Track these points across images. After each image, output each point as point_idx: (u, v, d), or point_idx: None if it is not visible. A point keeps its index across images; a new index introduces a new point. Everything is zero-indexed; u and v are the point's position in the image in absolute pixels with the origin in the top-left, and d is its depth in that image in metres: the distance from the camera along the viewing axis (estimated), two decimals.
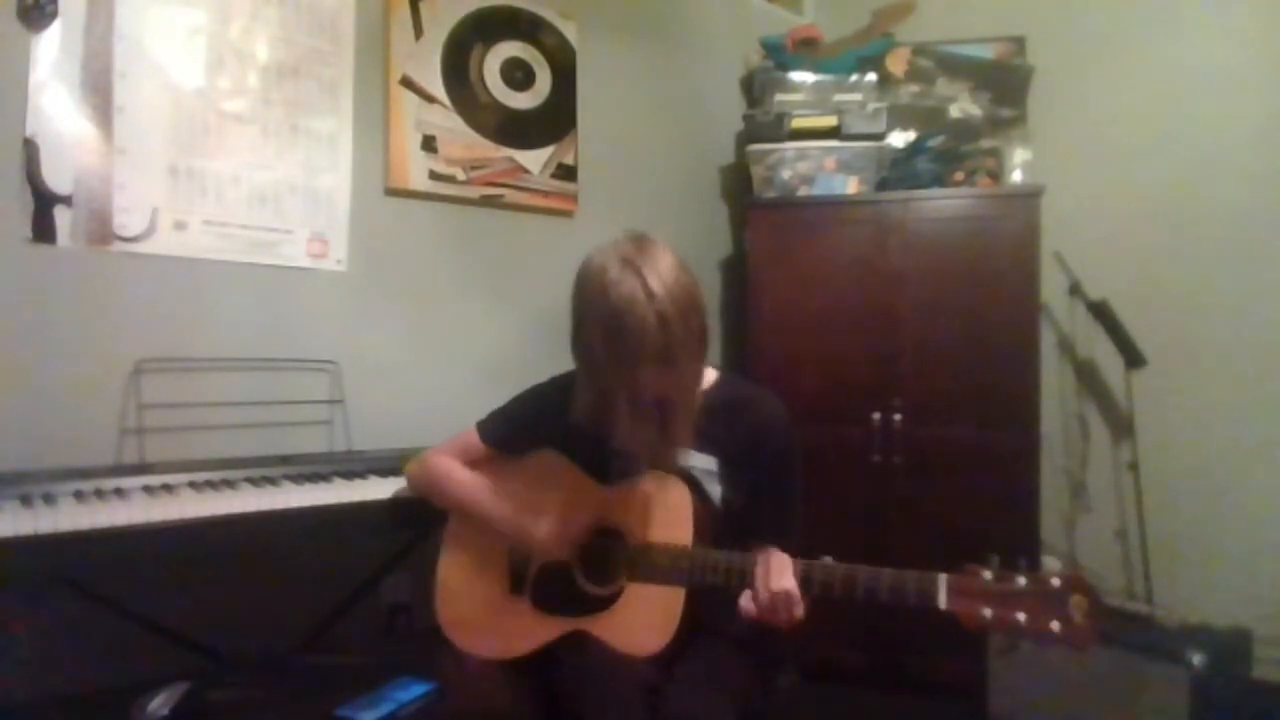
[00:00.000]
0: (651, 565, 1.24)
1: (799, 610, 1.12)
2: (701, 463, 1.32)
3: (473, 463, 1.44)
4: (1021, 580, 1.03)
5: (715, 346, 2.88)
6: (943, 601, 1.05)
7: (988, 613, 1.03)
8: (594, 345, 1.18)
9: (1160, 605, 2.19)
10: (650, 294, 1.12)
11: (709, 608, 1.24)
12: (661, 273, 1.15)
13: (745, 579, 1.18)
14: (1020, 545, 2.25)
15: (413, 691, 1.59)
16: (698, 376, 1.28)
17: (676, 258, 1.21)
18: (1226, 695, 1.80)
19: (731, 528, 1.31)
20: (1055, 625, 0.99)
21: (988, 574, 1.04)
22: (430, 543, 1.48)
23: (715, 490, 1.31)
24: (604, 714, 1.13)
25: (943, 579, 1.06)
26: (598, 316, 1.16)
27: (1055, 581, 1.01)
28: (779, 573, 1.13)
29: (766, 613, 1.13)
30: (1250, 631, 1.96)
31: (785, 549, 1.32)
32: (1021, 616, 1.01)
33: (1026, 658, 1.97)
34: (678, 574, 1.21)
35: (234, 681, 1.63)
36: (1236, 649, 1.90)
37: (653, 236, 1.23)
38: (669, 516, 1.25)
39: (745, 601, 1.16)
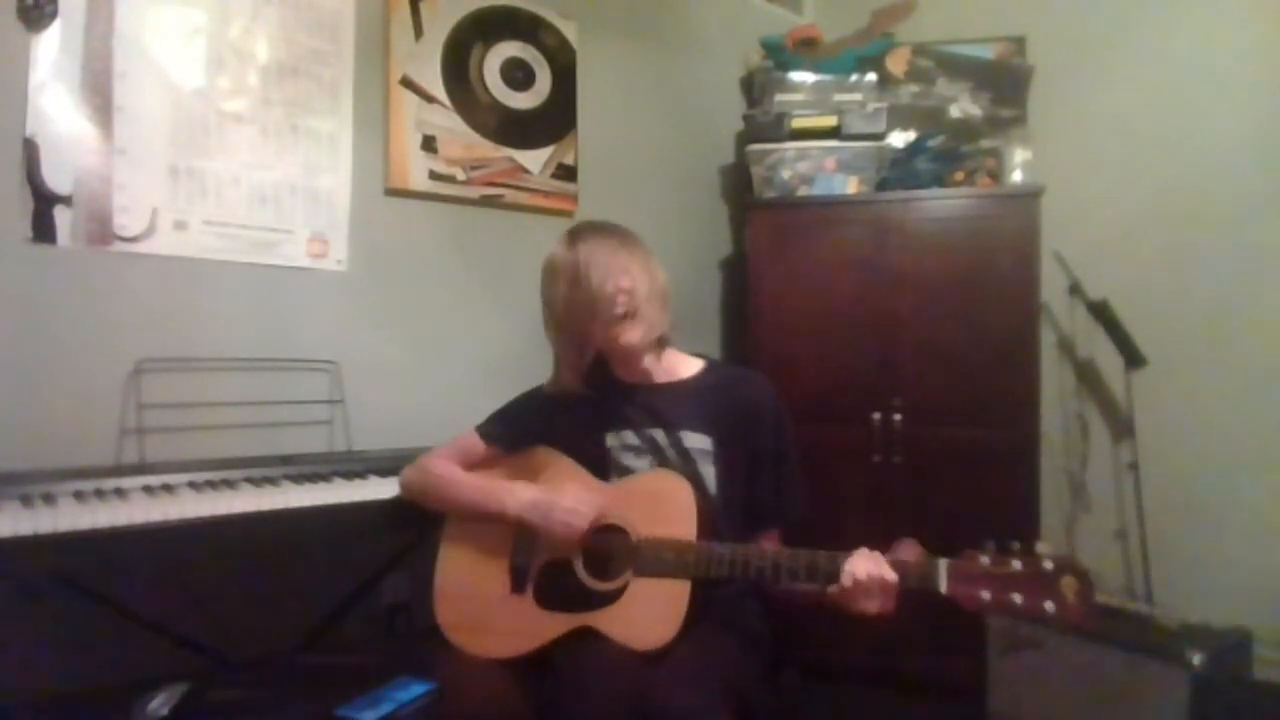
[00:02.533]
0: (656, 560, 1.24)
1: (892, 601, 1.12)
2: (697, 443, 1.35)
3: (471, 465, 1.45)
4: (1016, 563, 1.07)
5: (714, 346, 2.90)
6: (943, 586, 1.09)
7: (986, 595, 1.07)
8: (541, 293, 1.39)
9: (1160, 605, 2.19)
10: (576, 241, 1.34)
11: (712, 601, 1.25)
12: (593, 231, 1.35)
13: (749, 569, 1.20)
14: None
15: (413, 691, 1.59)
16: (601, 305, 1.32)
17: (629, 235, 1.39)
18: (1226, 695, 1.80)
19: (729, 512, 1.33)
20: (1049, 605, 1.04)
21: (984, 558, 1.09)
22: (430, 543, 1.48)
23: (710, 471, 1.34)
24: (589, 712, 1.12)
25: (943, 564, 1.10)
26: (543, 272, 1.38)
27: (1048, 564, 1.06)
28: (877, 560, 1.13)
29: (859, 597, 1.12)
30: (1250, 631, 1.96)
31: (788, 524, 1.39)
32: (1017, 598, 1.06)
33: (1027, 658, 1.97)
34: (683, 567, 1.22)
35: (234, 681, 1.63)
36: (1236, 649, 1.90)
37: (620, 226, 1.41)
38: (672, 511, 1.26)
39: (837, 587, 1.15)
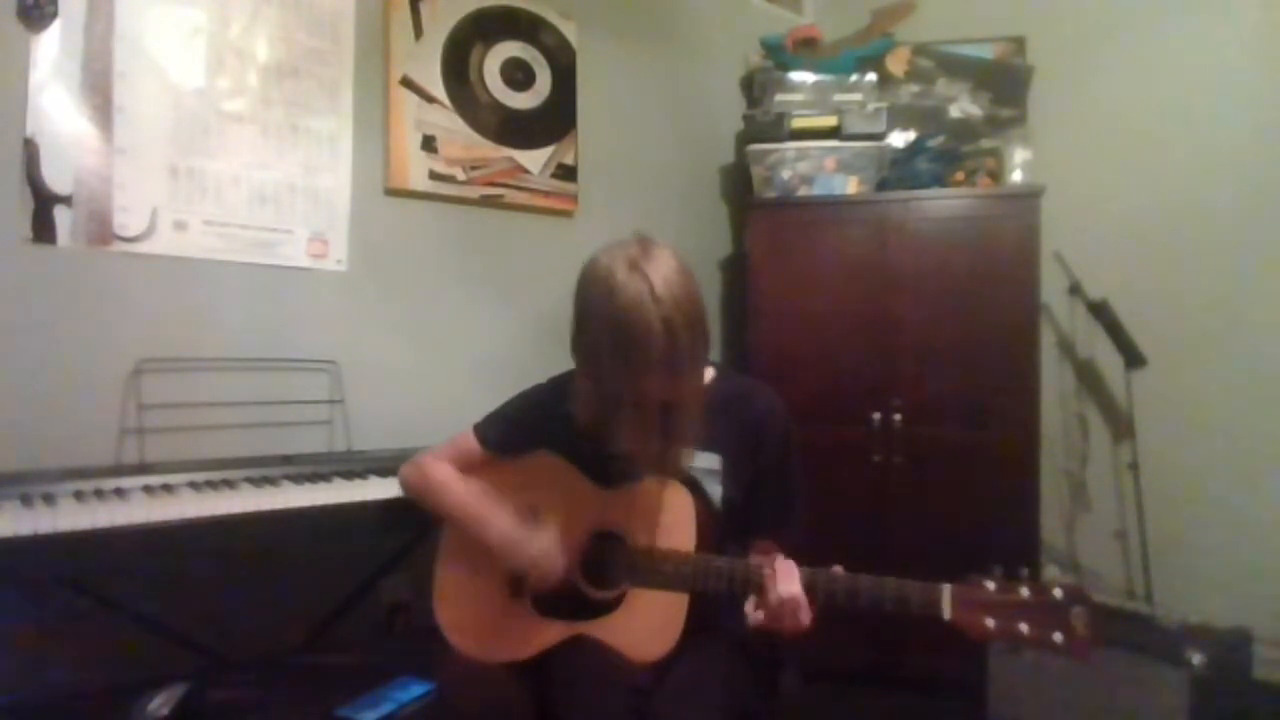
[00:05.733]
0: (654, 571, 1.23)
1: (805, 617, 1.11)
2: (705, 462, 1.31)
3: (469, 466, 1.43)
4: (1024, 591, 1.04)
5: (715, 346, 2.90)
6: (947, 612, 1.06)
7: (991, 623, 1.04)
8: (600, 350, 1.18)
9: (1160, 605, 2.19)
10: (657, 299, 1.12)
11: (709, 609, 1.24)
12: (667, 276, 1.15)
13: (749, 585, 1.17)
14: (1020, 545, 2.26)
15: (413, 691, 1.59)
16: (702, 382, 1.28)
17: (679, 261, 1.21)
18: (1226, 695, 1.80)
19: (733, 528, 1.31)
20: (1057, 636, 1.01)
21: (991, 584, 1.06)
22: (430, 542, 1.48)
23: (716, 491, 1.30)
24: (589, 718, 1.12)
25: (947, 590, 1.07)
26: (604, 320, 1.16)
27: (1057, 593, 1.03)
28: (786, 578, 1.12)
29: (773, 619, 1.11)
30: (1250, 631, 1.96)
31: (784, 540, 1.34)
32: (1024, 627, 1.03)
33: (1027, 658, 1.96)
34: (680, 580, 1.20)
35: (234, 681, 1.63)
36: (1236, 649, 1.90)
37: (655, 238, 1.23)
38: (671, 521, 1.24)
39: (751, 608, 1.15)
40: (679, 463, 1.27)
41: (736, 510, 1.32)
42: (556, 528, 1.31)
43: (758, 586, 1.15)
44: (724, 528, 1.30)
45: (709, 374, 1.38)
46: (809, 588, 1.13)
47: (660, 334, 1.12)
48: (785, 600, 1.10)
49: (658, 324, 1.12)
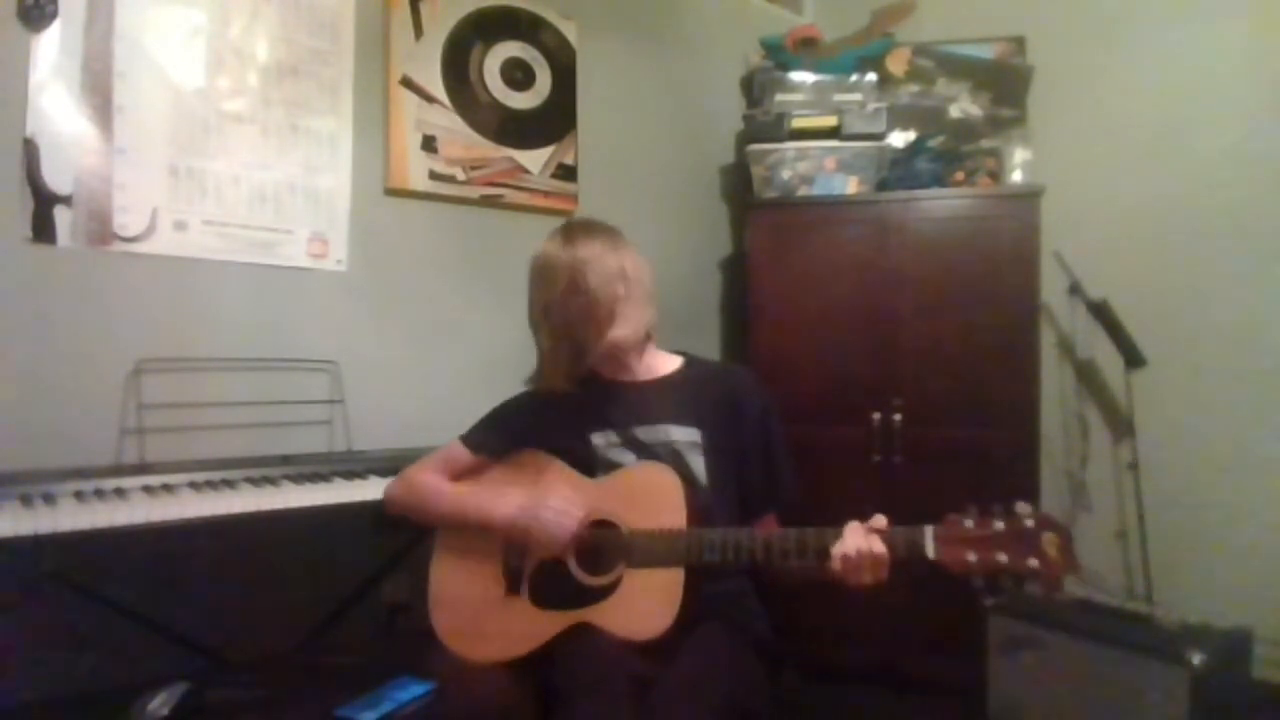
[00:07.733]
0: (648, 550, 1.25)
1: (884, 572, 1.15)
2: (684, 435, 1.36)
3: (457, 473, 1.44)
4: (999, 524, 1.10)
5: (714, 346, 2.90)
6: (930, 551, 1.12)
7: (972, 557, 1.09)
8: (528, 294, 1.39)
9: (1160, 605, 2.19)
10: (571, 242, 1.35)
11: (712, 603, 1.26)
12: (589, 232, 1.37)
13: (740, 554, 1.21)
14: None
15: (412, 691, 1.60)
16: (605, 307, 1.34)
17: (617, 233, 1.41)
18: (1226, 695, 1.80)
19: (722, 502, 1.35)
20: (1033, 561, 1.06)
21: (968, 521, 1.12)
22: (429, 543, 1.47)
23: (699, 463, 1.35)
24: (591, 702, 1.12)
25: (928, 530, 1.13)
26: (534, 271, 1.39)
27: (1029, 521, 1.08)
28: (867, 535, 1.17)
29: (852, 572, 1.15)
30: (1250, 631, 1.95)
31: (782, 508, 1.41)
32: (1002, 557, 1.08)
33: (1027, 658, 1.97)
34: (675, 555, 1.23)
35: (234, 681, 1.63)
36: (1236, 649, 1.90)
37: (607, 224, 1.43)
38: (660, 501, 1.27)
39: (832, 561, 1.17)
40: (582, 362, 1.36)
41: (725, 485, 1.36)
42: (565, 482, 1.35)
43: (816, 550, 1.19)
44: (714, 504, 1.33)
45: (678, 360, 1.47)
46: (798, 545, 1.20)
47: (565, 256, 1.33)
48: (863, 553, 1.15)
49: (563, 253, 1.34)
